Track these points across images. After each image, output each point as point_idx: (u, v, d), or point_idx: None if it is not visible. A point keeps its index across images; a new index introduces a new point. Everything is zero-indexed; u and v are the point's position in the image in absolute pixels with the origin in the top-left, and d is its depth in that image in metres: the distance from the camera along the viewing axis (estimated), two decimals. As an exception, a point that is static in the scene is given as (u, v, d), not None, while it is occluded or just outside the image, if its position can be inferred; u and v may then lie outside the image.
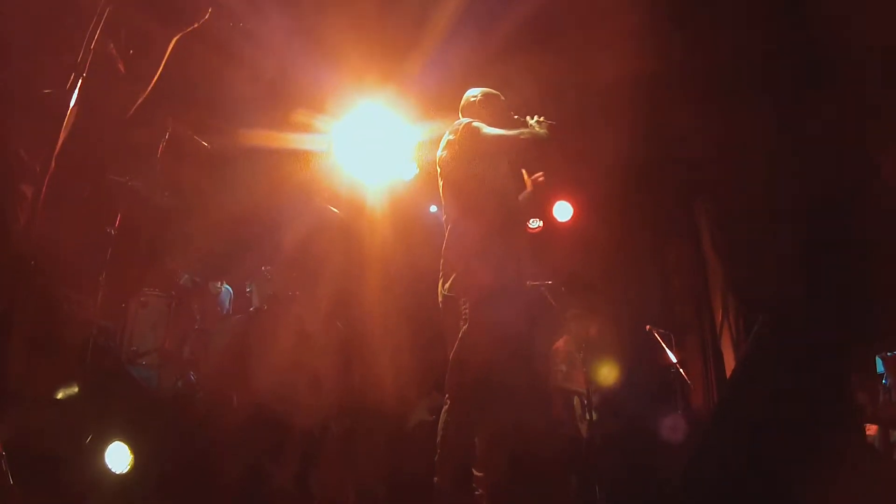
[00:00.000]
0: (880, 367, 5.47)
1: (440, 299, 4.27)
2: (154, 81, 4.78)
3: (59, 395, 4.14)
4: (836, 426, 3.42)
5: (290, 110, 6.87)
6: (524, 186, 4.80)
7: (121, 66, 4.33)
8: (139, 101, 4.98)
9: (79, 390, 4.28)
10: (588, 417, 7.25)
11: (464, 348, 4.06)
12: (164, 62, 4.75)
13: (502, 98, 4.64)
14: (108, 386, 4.75)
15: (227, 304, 6.64)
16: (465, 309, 4.08)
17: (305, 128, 6.94)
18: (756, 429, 3.20)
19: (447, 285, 4.22)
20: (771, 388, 3.33)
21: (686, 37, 6.79)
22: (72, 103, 3.44)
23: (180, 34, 4.71)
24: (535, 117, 4.52)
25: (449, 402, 4.10)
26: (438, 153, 4.52)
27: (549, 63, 6.44)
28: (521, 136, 4.35)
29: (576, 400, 7.53)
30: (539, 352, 5.55)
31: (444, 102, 5.52)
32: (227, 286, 6.68)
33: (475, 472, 4.10)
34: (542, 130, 4.45)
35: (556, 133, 4.47)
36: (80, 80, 3.48)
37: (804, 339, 3.56)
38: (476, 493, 4.06)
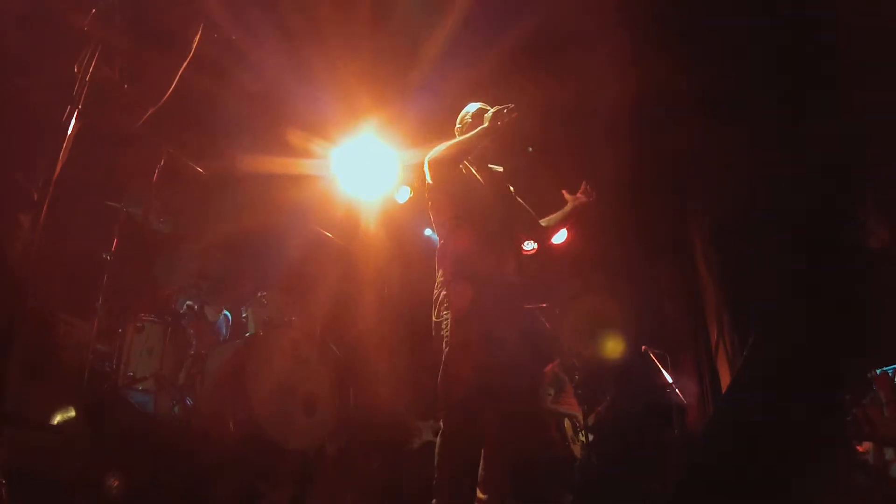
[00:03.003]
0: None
1: (433, 326, 4.30)
2: (154, 109, 4.83)
3: (56, 420, 4.15)
4: (829, 444, 3.43)
5: (285, 134, 6.92)
6: (513, 202, 4.76)
7: (117, 93, 4.37)
8: (136, 124, 5.02)
9: (75, 414, 4.29)
10: (581, 439, 7.30)
11: (447, 370, 4.08)
12: (168, 92, 4.80)
13: (486, 111, 4.50)
14: (104, 410, 4.76)
15: (224, 329, 6.63)
16: (446, 332, 4.11)
17: (300, 152, 6.99)
18: (748, 446, 3.21)
19: (435, 311, 4.27)
20: (763, 406, 3.35)
21: (679, 56, 6.84)
22: (69, 131, 3.49)
23: (184, 64, 4.75)
24: (494, 108, 4.40)
25: (442, 423, 4.12)
26: None
27: (541, 85, 6.49)
28: (450, 149, 4.38)
29: (566, 422, 7.60)
30: (534, 370, 5.54)
31: (438, 125, 5.57)
32: (226, 311, 6.68)
33: (479, 495, 4.10)
34: (481, 127, 4.37)
35: (513, 115, 4.26)
36: (77, 111, 3.53)
37: (797, 356, 3.58)
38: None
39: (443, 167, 4.38)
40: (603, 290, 8.71)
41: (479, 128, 4.37)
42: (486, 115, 4.42)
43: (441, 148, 4.38)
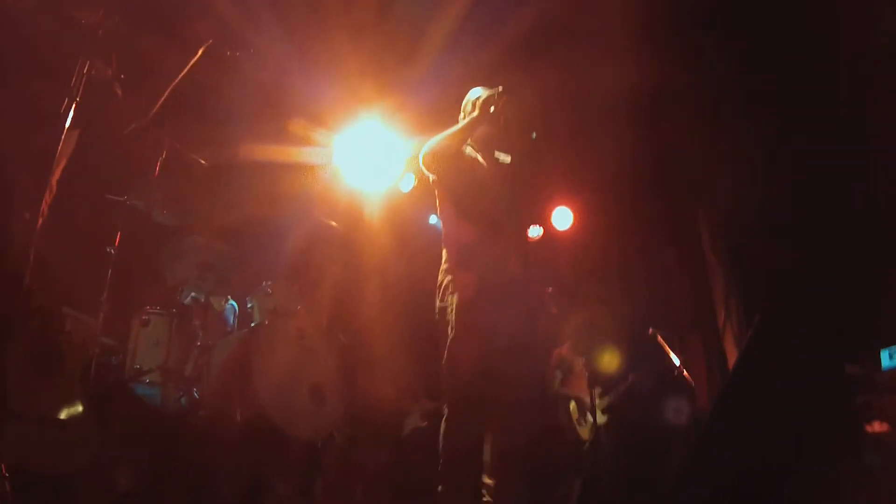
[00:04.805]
0: (886, 362, 5.45)
1: (436, 311, 4.32)
2: (158, 106, 4.82)
3: (63, 415, 4.15)
4: (836, 426, 3.42)
5: (287, 122, 6.91)
6: (517, 191, 4.72)
7: (117, 89, 4.36)
8: (140, 123, 5.02)
9: (82, 409, 4.30)
10: (587, 421, 7.29)
11: (452, 354, 4.10)
12: (171, 88, 4.80)
13: (488, 97, 4.51)
14: (111, 404, 4.77)
15: (231, 319, 6.63)
16: (451, 316, 4.13)
17: (303, 140, 6.98)
18: (752, 430, 3.20)
19: (439, 296, 4.29)
20: (767, 388, 3.33)
21: (688, 45, 6.80)
22: (67, 126, 3.49)
23: (193, 60, 4.74)
24: (485, 94, 4.46)
25: (446, 410, 4.14)
26: None
27: (550, 71, 6.46)
28: (442, 142, 4.37)
29: (572, 404, 7.59)
30: (539, 356, 5.52)
31: (442, 113, 5.55)
32: (233, 301, 6.67)
33: (485, 480, 4.11)
34: (472, 116, 4.43)
35: (502, 100, 4.35)
36: (74, 104, 3.53)
37: (802, 336, 3.56)
38: (484, 499, 4.07)
39: (438, 161, 4.38)
40: (609, 275, 8.69)
41: (470, 116, 4.39)
42: (476, 102, 4.43)
43: (432, 142, 4.37)
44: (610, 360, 7.68)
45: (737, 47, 6.69)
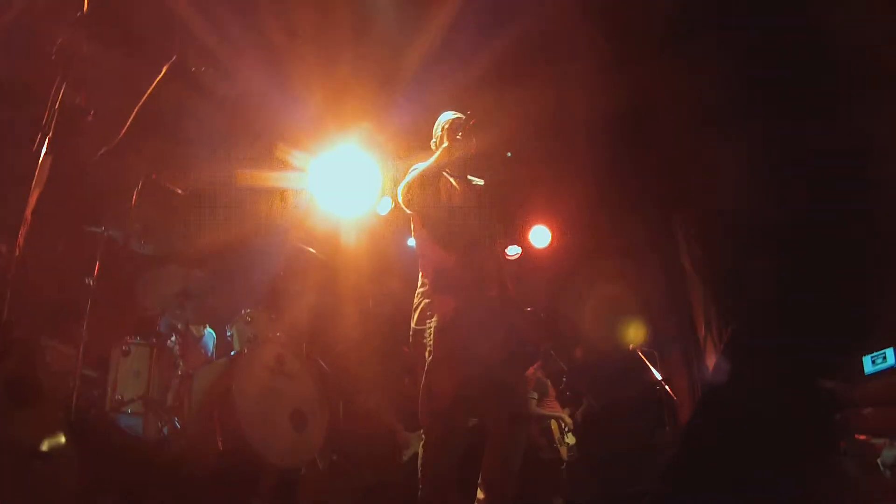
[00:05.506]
0: (868, 368, 5.48)
1: (410, 333, 4.34)
2: (126, 129, 4.81)
3: (44, 447, 4.13)
4: (811, 439, 3.43)
5: (265, 148, 6.91)
6: (492, 212, 4.77)
7: (89, 116, 4.36)
8: (110, 147, 5.00)
9: (64, 441, 4.27)
10: (567, 441, 7.30)
11: (430, 378, 4.11)
12: (137, 109, 4.79)
13: (454, 123, 4.61)
14: (93, 435, 4.75)
15: (210, 347, 6.61)
16: (429, 340, 4.14)
17: (281, 165, 6.98)
18: (727, 443, 3.21)
19: (414, 318, 4.31)
20: (742, 400, 3.34)
21: (666, 61, 6.85)
22: (40, 160, 3.49)
23: (158, 78, 4.74)
24: (451, 121, 4.57)
25: (424, 435, 4.14)
26: None
27: (528, 90, 6.50)
28: (417, 179, 4.43)
29: (553, 423, 7.59)
30: (517, 376, 5.54)
31: (419, 137, 5.59)
32: (210, 329, 6.66)
33: (479, 494, 4.10)
34: (443, 147, 4.49)
35: (470, 123, 4.44)
36: (46, 132, 3.53)
37: (778, 347, 3.57)
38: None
39: (412, 197, 4.45)
40: (588, 293, 8.72)
41: (441, 148, 4.45)
42: (444, 127, 4.50)
43: (408, 179, 4.44)
44: (583, 378, 7.73)
45: (717, 58, 6.76)
